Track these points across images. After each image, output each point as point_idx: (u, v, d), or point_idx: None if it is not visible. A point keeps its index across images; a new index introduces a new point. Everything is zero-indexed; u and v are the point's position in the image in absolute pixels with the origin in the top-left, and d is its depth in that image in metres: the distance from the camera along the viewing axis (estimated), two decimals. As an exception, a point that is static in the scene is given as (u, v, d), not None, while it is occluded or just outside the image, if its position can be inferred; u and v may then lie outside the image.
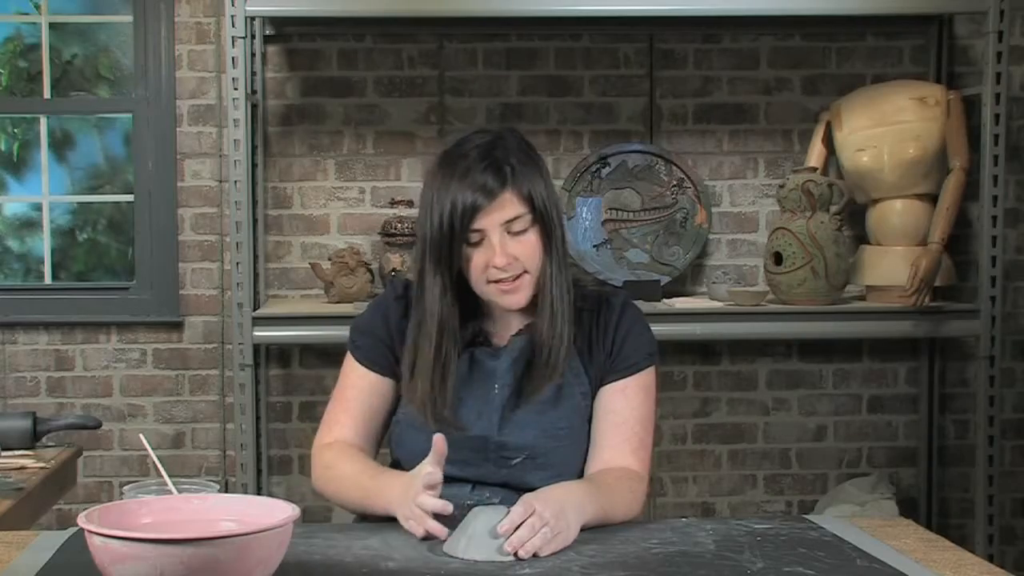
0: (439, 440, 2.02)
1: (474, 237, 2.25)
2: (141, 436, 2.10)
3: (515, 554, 1.91)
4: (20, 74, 4.96)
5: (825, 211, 4.20)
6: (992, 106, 4.16)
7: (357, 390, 2.39)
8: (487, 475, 2.32)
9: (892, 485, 4.66)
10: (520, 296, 2.29)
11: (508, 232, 2.25)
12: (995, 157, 4.17)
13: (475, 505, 2.24)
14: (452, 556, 1.92)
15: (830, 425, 4.82)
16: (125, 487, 2.00)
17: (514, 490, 2.29)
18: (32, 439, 3.10)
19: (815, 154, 4.51)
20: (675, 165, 4.60)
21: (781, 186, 4.30)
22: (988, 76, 4.16)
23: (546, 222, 2.28)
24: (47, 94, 4.79)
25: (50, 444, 3.28)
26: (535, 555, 1.91)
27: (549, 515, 1.95)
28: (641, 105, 4.68)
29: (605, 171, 4.58)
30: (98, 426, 3.30)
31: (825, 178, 4.32)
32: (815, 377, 4.81)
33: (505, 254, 2.23)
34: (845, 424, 4.83)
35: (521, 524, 1.93)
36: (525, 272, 2.27)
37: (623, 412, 2.34)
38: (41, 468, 2.98)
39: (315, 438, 2.41)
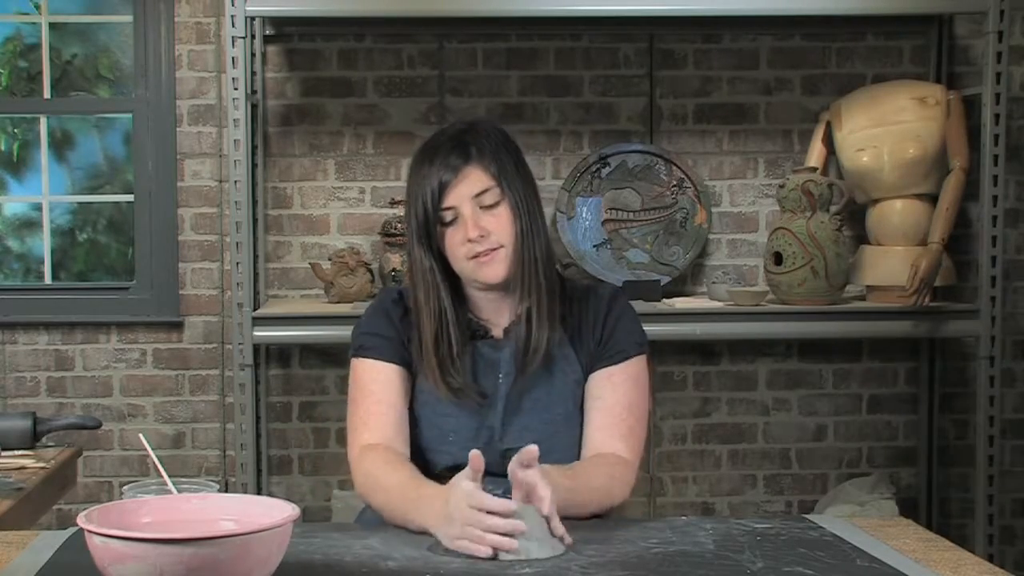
0: (475, 457, 1.99)
1: (448, 215, 2.31)
2: (141, 436, 2.10)
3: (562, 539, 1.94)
4: (20, 74, 4.96)
5: (825, 211, 4.20)
6: (992, 106, 4.16)
7: (377, 385, 2.39)
8: (491, 465, 2.28)
9: (892, 485, 4.66)
10: (497, 268, 2.32)
11: (480, 206, 2.30)
12: (995, 157, 4.17)
13: None
14: (516, 559, 1.89)
15: (830, 425, 4.82)
16: (125, 487, 2.00)
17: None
18: (32, 439, 3.09)
19: (815, 154, 4.51)
20: (675, 165, 4.60)
21: (781, 186, 4.30)
22: (988, 76, 4.16)
23: (516, 199, 2.33)
24: (47, 94, 4.78)
25: (50, 444, 3.27)
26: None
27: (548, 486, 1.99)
28: (641, 105, 4.68)
29: (605, 171, 4.58)
30: (98, 426, 3.30)
31: (825, 178, 4.32)
32: (815, 377, 4.81)
33: (477, 226, 2.28)
34: (845, 424, 4.83)
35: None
36: (501, 246, 2.31)
37: (609, 398, 2.37)
38: (41, 468, 2.98)
39: (348, 445, 2.41)
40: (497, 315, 2.43)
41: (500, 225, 2.31)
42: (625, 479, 2.32)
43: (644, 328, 2.50)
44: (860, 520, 2.25)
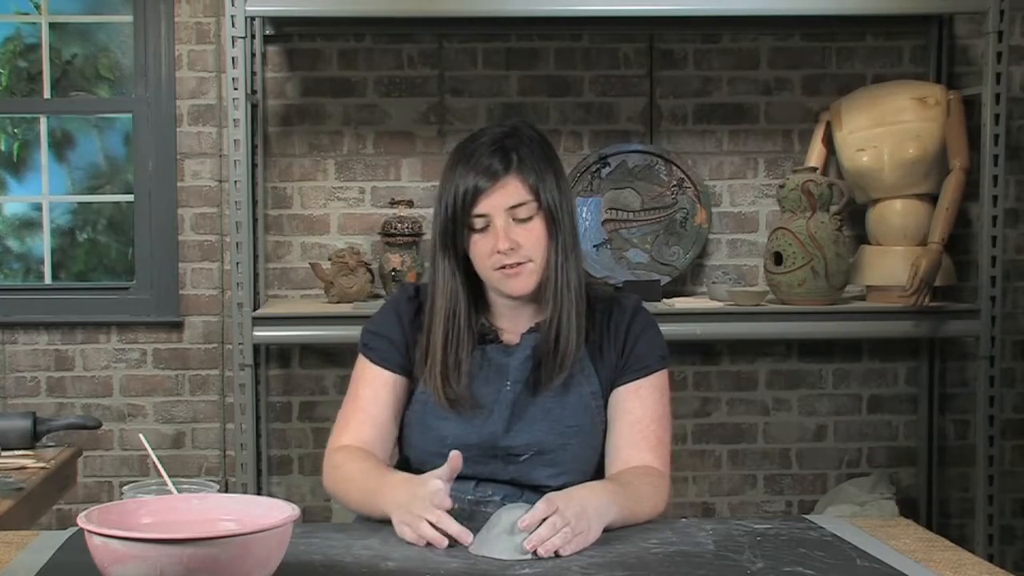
0: (455, 457, 2.01)
1: (479, 223, 2.26)
2: (141, 436, 2.09)
3: (535, 552, 1.90)
4: (20, 74, 4.95)
5: (825, 211, 4.21)
6: (992, 106, 4.17)
7: (372, 390, 2.38)
8: (494, 472, 2.32)
9: (892, 485, 4.66)
10: (523, 282, 2.29)
11: (513, 219, 2.26)
12: (995, 157, 4.18)
13: (477, 502, 2.29)
14: (476, 555, 1.91)
15: (830, 425, 4.83)
16: (125, 487, 2.01)
17: (520, 487, 2.32)
18: (32, 439, 3.07)
19: (815, 154, 4.52)
20: (675, 165, 4.60)
21: (781, 186, 4.31)
22: (988, 76, 4.17)
23: (553, 214, 2.28)
24: (47, 94, 4.78)
25: (50, 444, 3.25)
26: (556, 554, 1.90)
27: (571, 514, 1.94)
28: (641, 105, 4.68)
29: (605, 171, 4.59)
30: (98, 426, 3.28)
31: (825, 178, 4.33)
32: (815, 377, 4.82)
33: (508, 239, 2.24)
34: (845, 424, 4.84)
35: (543, 522, 1.93)
36: (529, 260, 2.28)
37: (637, 411, 2.35)
38: (41, 468, 2.96)
39: (329, 440, 2.41)
40: (514, 322, 2.41)
41: (532, 239, 2.28)
42: (665, 490, 2.32)
43: None
44: (860, 520, 2.25)
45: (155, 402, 4.72)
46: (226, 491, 2.80)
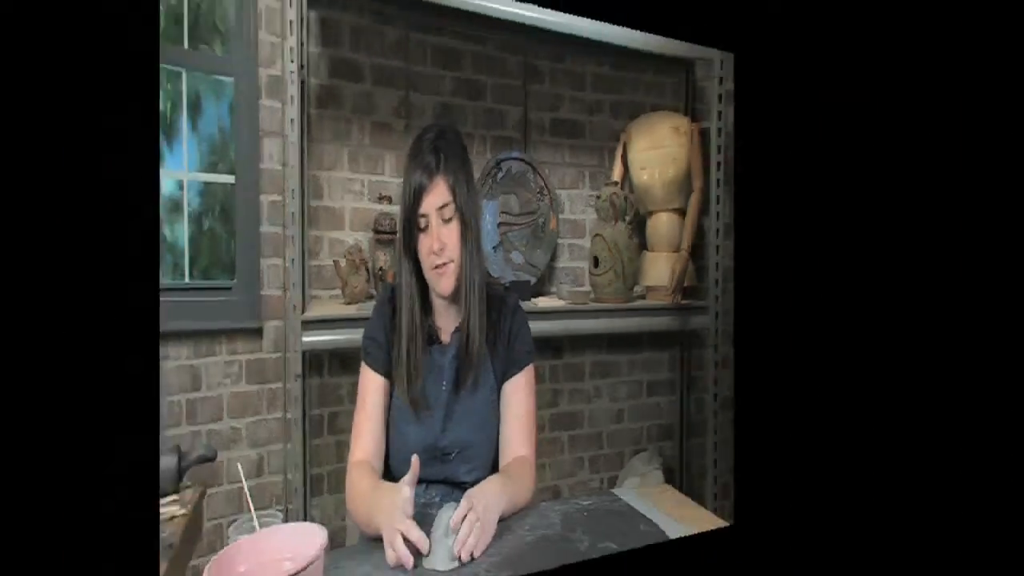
0: (415, 461, 2.18)
1: (422, 222, 2.44)
2: (239, 465, 2.10)
3: (471, 555, 2.10)
4: (168, 16, 3.96)
5: (623, 220, 5.02)
6: (715, 139, 5.25)
7: (374, 395, 2.59)
8: (435, 473, 2.57)
9: (660, 457, 5.24)
10: (447, 281, 2.50)
11: (441, 219, 2.49)
12: (717, 180, 5.26)
13: (425, 505, 2.52)
14: (428, 568, 2.06)
15: (626, 408, 5.35)
16: (229, 527, 2.17)
17: (451, 486, 2.60)
18: (178, 480, 2.63)
19: (616, 170, 5.21)
20: (539, 174, 5.16)
21: (597, 197, 4.99)
22: (712, 113, 5.23)
23: (464, 216, 2.49)
24: (186, 44, 3.87)
25: (187, 485, 2.67)
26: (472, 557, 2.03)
27: (481, 508, 2.14)
28: (519, 115, 5.36)
29: (500, 175, 5.04)
30: (215, 457, 2.55)
31: (623, 191, 5.05)
32: (617, 367, 5.48)
33: (439, 239, 2.45)
34: (634, 407, 5.34)
35: (463, 521, 2.13)
36: (451, 261, 2.52)
37: (518, 406, 2.63)
38: (183, 516, 2.50)
39: (348, 454, 2.44)
40: (447, 321, 2.62)
41: (453, 240, 2.49)
42: (534, 479, 2.53)
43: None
44: (642, 489, 2.57)
45: (247, 423, 4.16)
46: (286, 519, 2.64)
